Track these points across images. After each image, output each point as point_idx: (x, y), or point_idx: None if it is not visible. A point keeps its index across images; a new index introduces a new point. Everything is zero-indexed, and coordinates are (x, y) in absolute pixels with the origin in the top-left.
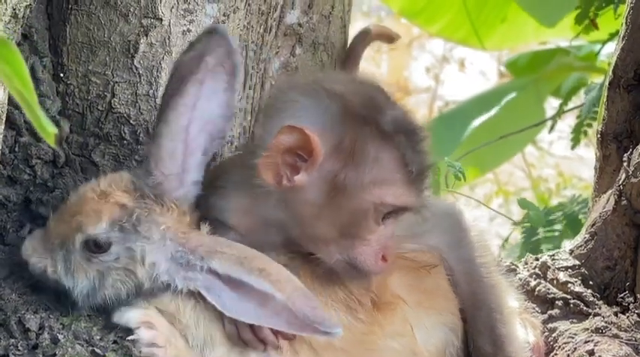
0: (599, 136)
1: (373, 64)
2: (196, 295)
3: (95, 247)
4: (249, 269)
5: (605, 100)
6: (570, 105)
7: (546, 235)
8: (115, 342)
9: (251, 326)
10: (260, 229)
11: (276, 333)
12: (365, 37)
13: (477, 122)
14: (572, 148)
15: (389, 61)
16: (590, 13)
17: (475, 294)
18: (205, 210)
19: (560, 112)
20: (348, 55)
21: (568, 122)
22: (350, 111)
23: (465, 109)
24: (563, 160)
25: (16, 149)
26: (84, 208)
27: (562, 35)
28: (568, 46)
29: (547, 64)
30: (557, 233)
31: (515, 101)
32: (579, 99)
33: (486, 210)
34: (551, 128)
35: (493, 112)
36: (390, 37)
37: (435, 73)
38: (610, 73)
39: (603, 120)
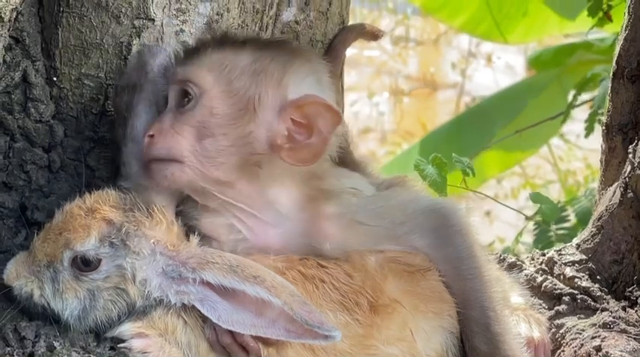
0: (604, 128)
1: (400, 61)
2: (184, 312)
3: (84, 264)
4: (243, 277)
5: (609, 91)
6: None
7: (558, 232)
8: (111, 348)
9: (231, 332)
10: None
11: (256, 338)
12: (346, 35)
13: (502, 122)
14: (586, 136)
15: (416, 57)
16: (603, 5)
17: (466, 293)
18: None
19: (572, 104)
20: (327, 54)
21: None
22: None
23: (489, 106)
24: (591, 152)
25: (11, 155)
26: (71, 225)
27: (585, 28)
28: (591, 38)
29: (570, 57)
30: (568, 231)
31: (539, 96)
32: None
33: (513, 205)
34: (564, 119)
35: (517, 112)
36: (374, 35)
37: (462, 68)
38: (613, 63)
39: (608, 111)
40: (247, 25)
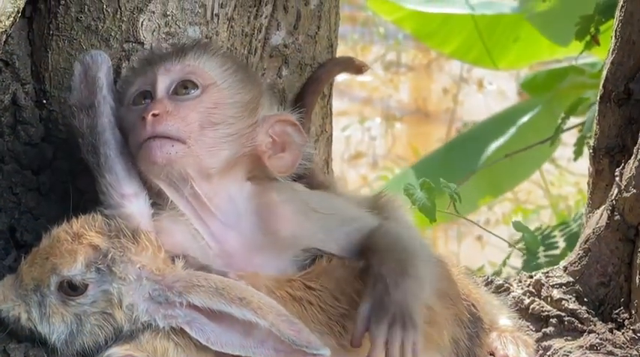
0: (591, 151)
1: (392, 86)
2: (173, 334)
3: (71, 289)
4: (229, 299)
5: (596, 114)
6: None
7: (546, 259)
8: None
9: None
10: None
11: None
12: (333, 67)
13: (493, 146)
14: (575, 159)
15: (408, 82)
16: (591, 29)
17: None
18: None
19: (560, 128)
20: (309, 85)
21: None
22: None
23: (481, 131)
24: (583, 177)
25: (0, 177)
26: (58, 250)
27: (576, 53)
28: (582, 63)
29: (561, 82)
30: (556, 256)
31: (529, 120)
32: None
33: (505, 230)
34: (552, 143)
35: (508, 136)
36: (357, 68)
37: (454, 93)
38: (600, 87)
39: (595, 134)
40: (236, 49)
